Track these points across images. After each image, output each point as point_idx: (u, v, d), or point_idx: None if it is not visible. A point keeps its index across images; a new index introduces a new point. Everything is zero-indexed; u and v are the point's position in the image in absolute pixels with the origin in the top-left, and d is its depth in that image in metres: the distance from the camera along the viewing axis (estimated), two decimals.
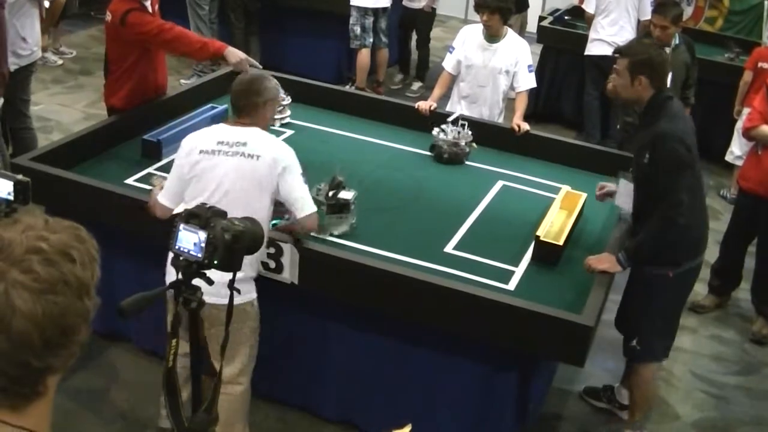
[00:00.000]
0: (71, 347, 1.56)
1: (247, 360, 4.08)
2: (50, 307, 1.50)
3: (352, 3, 9.27)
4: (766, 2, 11.33)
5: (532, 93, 9.01)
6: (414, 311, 4.10)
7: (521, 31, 10.34)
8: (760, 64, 7.56)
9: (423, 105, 6.11)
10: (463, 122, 5.74)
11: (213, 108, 5.91)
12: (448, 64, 6.29)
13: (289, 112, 5.98)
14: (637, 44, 4.62)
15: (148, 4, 5.49)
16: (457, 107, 6.26)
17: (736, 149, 7.92)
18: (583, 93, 8.99)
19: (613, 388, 5.15)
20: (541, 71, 9.60)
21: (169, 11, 6.06)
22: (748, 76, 7.71)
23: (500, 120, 6.30)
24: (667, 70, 4.53)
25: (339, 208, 4.56)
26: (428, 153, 5.74)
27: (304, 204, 3.97)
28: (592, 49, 8.60)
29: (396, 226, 4.77)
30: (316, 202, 4.20)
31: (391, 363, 4.38)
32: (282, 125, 5.90)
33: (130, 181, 4.97)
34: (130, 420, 4.60)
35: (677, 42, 6.59)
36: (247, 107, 4.00)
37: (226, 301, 2.91)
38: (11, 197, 2.87)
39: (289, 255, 4.15)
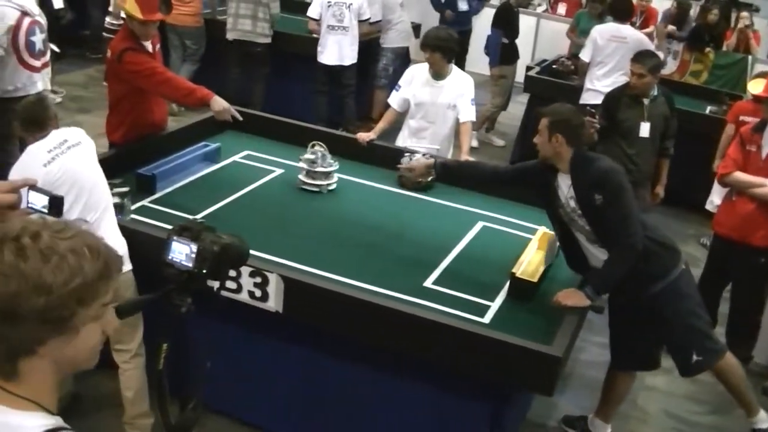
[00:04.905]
0: (20, 333, 1.70)
1: (141, 328, 4.45)
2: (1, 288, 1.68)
3: (385, 45, 10.08)
4: (750, 57, 11.68)
5: (518, 143, 9.26)
6: (391, 341, 4.25)
7: (511, 81, 10.51)
8: (741, 117, 7.66)
9: (363, 135, 6.39)
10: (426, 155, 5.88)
11: (206, 146, 6.12)
12: (394, 100, 6.53)
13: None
14: (557, 105, 4.80)
15: (148, 44, 5.73)
16: (408, 142, 6.47)
17: (716, 198, 8.00)
18: None
19: (587, 418, 5.29)
20: (527, 120, 9.78)
21: None
22: (730, 129, 7.68)
23: (449, 154, 6.50)
24: (585, 132, 4.75)
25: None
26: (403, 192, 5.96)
27: None
28: (587, 98, 8.60)
29: (378, 261, 4.96)
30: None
31: (366, 392, 4.52)
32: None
33: None
34: None
35: (656, 93, 6.77)
36: (46, 119, 4.31)
37: None
38: (46, 210, 3.16)
39: (275, 284, 4.32)
